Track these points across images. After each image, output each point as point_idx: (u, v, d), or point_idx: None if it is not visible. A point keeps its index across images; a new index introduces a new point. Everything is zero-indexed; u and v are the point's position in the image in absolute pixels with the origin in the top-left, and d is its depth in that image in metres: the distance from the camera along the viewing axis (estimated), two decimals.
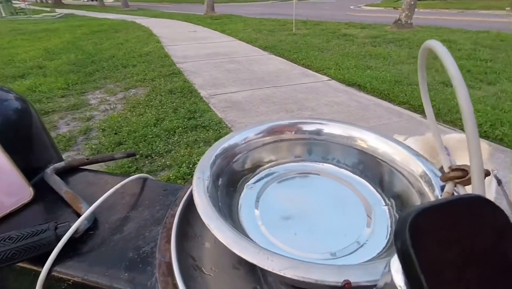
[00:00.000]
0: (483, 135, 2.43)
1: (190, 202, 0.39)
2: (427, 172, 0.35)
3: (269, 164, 0.45)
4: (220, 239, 0.27)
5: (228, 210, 0.37)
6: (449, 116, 2.73)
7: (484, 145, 1.23)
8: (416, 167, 0.37)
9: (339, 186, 0.41)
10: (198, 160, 2.12)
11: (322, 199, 0.39)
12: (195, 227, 0.38)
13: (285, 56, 5.27)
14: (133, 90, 3.72)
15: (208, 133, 2.47)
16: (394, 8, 13.75)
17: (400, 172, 0.39)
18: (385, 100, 3.22)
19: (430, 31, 7.16)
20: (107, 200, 0.44)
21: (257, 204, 0.39)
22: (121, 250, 0.38)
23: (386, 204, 0.39)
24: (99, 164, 0.70)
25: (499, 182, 0.48)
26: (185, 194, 0.42)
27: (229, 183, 0.40)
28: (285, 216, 0.37)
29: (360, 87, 3.59)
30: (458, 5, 14.39)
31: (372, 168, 0.42)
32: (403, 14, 7.49)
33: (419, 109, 2.93)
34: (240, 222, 0.37)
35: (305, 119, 0.46)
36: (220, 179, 0.39)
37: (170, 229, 0.36)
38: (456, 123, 2.62)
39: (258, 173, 0.44)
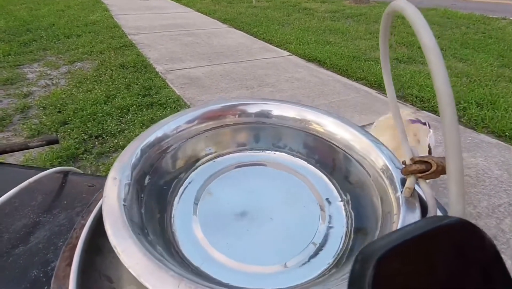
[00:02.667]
0: (431, 109, 2.61)
1: None
2: (388, 164, 0.31)
3: (210, 156, 0.37)
4: (128, 267, 0.21)
5: (156, 219, 0.30)
6: (401, 92, 2.87)
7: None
8: (376, 158, 0.33)
9: (291, 178, 0.35)
10: None
11: (272, 195, 0.34)
12: None
13: (245, 29, 5.09)
14: (78, 63, 3.37)
15: (165, 111, 2.33)
16: None
17: (359, 162, 0.35)
18: (343, 76, 3.29)
19: (385, 7, 7.35)
20: (10, 202, 0.35)
21: (195, 207, 0.32)
22: (22, 267, 0.30)
23: (342, 200, 0.34)
24: (41, 147, 0.57)
25: None
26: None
27: (160, 182, 0.33)
28: (230, 219, 0.31)
29: (320, 62, 3.62)
30: None
31: (327, 157, 0.37)
32: None
33: (375, 85, 3.05)
34: (173, 231, 0.30)
35: (251, 100, 0.40)
36: (148, 178, 0.32)
37: (75, 246, 0.28)
38: (408, 99, 2.77)
39: (196, 168, 0.36)
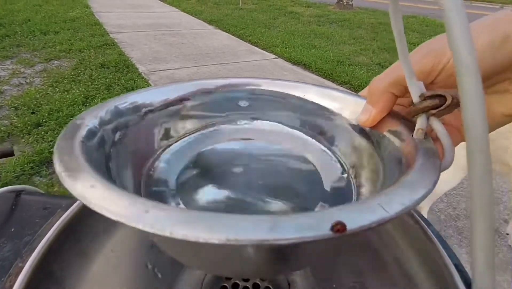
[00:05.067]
0: None
1: (63, 235, 0.27)
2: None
3: (191, 129, 0.31)
4: (74, 194, 0.15)
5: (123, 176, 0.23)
6: None
7: None
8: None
9: (288, 150, 0.30)
10: None
11: (266, 169, 0.28)
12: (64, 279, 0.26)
13: (231, 31, 5.06)
14: (55, 62, 3.22)
15: None
16: None
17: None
18: (328, 79, 3.31)
19: (368, 13, 7.53)
20: None
21: (177, 177, 0.26)
22: None
23: (346, 171, 0.28)
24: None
25: None
26: (57, 220, 0.29)
27: (134, 146, 0.26)
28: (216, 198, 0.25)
29: (306, 66, 3.64)
30: None
31: (322, 124, 0.31)
32: None
33: (359, 89, 3.08)
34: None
35: (238, 79, 0.33)
36: (119, 134, 0.25)
37: None
38: None
39: (180, 138, 0.30)
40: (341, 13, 7.18)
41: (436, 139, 0.22)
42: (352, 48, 4.46)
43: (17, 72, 2.89)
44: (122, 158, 0.24)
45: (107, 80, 2.76)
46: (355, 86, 3.14)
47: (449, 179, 1.23)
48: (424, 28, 6.17)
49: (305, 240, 0.12)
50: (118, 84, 2.68)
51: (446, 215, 1.70)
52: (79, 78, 2.78)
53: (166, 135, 0.30)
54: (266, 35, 4.80)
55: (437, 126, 0.22)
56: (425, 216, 1.30)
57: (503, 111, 0.22)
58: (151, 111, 0.28)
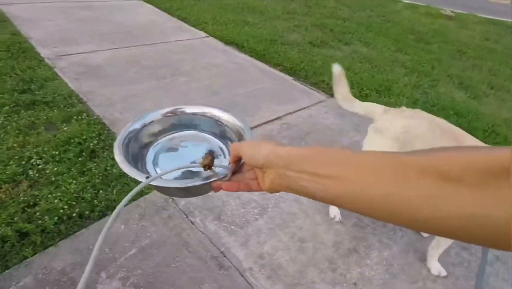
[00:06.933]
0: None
1: None
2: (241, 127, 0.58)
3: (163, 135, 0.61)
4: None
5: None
6: (314, 79, 2.98)
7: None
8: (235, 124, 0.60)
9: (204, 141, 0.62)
10: (36, 152, 1.64)
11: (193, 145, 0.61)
12: None
13: (157, 4, 4.56)
14: None
15: (52, 112, 1.93)
16: None
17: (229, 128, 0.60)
18: (261, 61, 3.24)
19: None
20: None
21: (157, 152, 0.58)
22: None
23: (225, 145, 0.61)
24: None
25: None
26: None
27: (137, 144, 0.56)
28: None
29: (238, 46, 3.49)
30: None
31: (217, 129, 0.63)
32: None
33: (292, 71, 3.09)
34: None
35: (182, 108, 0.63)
36: (132, 139, 0.56)
37: None
38: (319, 86, 2.89)
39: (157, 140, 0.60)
40: None
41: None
42: (285, 24, 4.40)
43: None
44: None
45: None
46: (287, 68, 3.12)
47: None
48: (352, 2, 6.36)
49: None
50: (11, 75, 2.23)
51: None
52: None
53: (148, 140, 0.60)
54: (196, 10, 4.44)
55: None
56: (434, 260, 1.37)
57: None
58: (139, 130, 0.58)
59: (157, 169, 0.53)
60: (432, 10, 6.47)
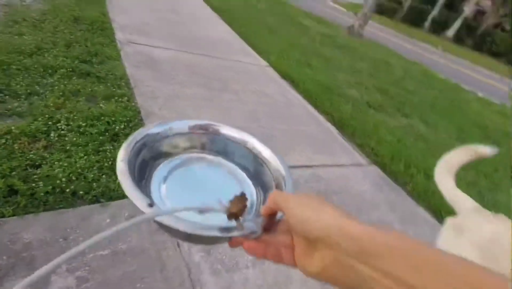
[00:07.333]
0: (381, 166, 2.54)
1: None
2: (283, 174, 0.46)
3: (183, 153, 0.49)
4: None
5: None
6: (360, 139, 2.79)
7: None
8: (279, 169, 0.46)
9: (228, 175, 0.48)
10: (66, 117, 1.62)
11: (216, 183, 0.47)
12: None
13: (233, 25, 4.81)
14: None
15: (98, 87, 1.98)
16: (354, 13, 14.14)
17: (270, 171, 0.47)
18: (311, 104, 3.15)
19: (375, 47, 7.51)
20: None
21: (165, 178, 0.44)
22: None
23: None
24: None
25: None
26: None
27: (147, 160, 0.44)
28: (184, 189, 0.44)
29: (294, 83, 3.46)
30: (404, 30, 15.64)
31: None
32: (357, 23, 7.67)
33: (339, 123, 2.94)
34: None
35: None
36: (142, 153, 0.43)
37: None
38: (364, 148, 2.69)
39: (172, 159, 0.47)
40: (348, 39, 7.10)
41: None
42: (346, 78, 4.34)
43: None
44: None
45: (72, 36, 2.45)
46: (335, 119, 2.99)
47: None
48: (423, 78, 6.19)
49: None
50: (81, 45, 2.38)
51: None
52: (42, 25, 2.46)
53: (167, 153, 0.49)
54: (266, 40, 4.59)
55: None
56: None
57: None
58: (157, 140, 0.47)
59: (162, 188, 0.41)
60: (507, 110, 6.02)
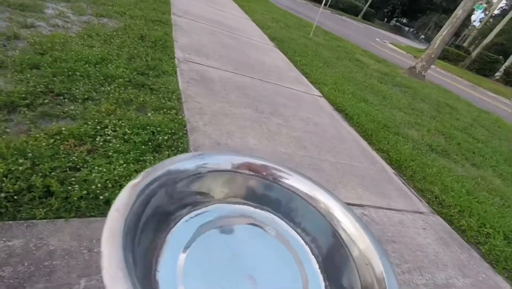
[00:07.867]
0: (447, 218, 2.14)
1: None
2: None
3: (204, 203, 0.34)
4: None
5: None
6: (421, 184, 2.42)
7: None
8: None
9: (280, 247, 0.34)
10: (114, 123, 1.59)
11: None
12: None
13: (288, 54, 4.84)
14: (104, 19, 3.16)
15: (150, 98, 2.00)
16: (415, 56, 13.62)
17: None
18: (365, 140, 2.88)
19: (438, 90, 6.98)
20: None
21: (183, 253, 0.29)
22: None
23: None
24: None
25: None
26: None
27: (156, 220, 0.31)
28: (213, 270, 0.28)
29: (347, 116, 3.24)
30: (471, 78, 14.55)
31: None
32: (420, 64, 7.28)
33: (396, 164, 2.62)
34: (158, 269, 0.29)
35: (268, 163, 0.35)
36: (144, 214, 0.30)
37: None
38: (425, 195, 2.32)
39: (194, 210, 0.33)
40: (409, 79, 6.72)
41: None
42: (406, 117, 3.99)
43: (62, 15, 2.84)
44: None
45: (135, 51, 2.59)
46: (392, 159, 2.67)
47: None
48: (495, 128, 5.51)
49: None
50: (142, 59, 2.49)
51: None
52: (111, 40, 2.65)
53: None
54: (321, 72, 4.49)
55: None
56: None
57: None
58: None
59: (180, 258, 0.26)
60: None
